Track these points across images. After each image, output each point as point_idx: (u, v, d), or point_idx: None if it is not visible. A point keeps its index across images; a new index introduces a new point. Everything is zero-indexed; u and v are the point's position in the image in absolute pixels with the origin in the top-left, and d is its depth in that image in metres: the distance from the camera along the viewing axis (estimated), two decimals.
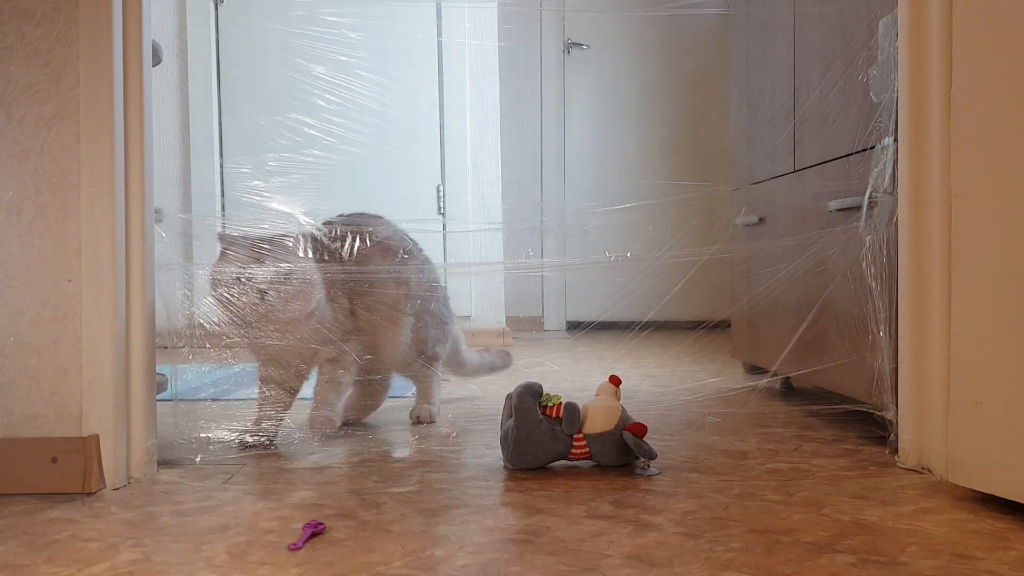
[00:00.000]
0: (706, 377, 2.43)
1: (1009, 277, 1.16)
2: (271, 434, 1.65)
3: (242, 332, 1.60)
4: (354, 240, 1.75)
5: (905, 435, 1.43)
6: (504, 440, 1.45)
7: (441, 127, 3.74)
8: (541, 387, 1.51)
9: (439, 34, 3.71)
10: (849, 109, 1.65)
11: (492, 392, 2.13)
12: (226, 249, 1.61)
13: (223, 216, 3.59)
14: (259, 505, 1.27)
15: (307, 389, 2.20)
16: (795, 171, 1.97)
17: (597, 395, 1.56)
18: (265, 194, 3.27)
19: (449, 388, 2.21)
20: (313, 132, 3.37)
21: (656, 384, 2.37)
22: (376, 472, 1.46)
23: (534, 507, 1.24)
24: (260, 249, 1.60)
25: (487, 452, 1.58)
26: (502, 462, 1.49)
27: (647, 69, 4.21)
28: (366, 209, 1.93)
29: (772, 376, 2.00)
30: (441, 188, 3.74)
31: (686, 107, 4.16)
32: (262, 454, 1.59)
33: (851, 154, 1.63)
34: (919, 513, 1.19)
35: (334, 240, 1.74)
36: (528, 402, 1.46)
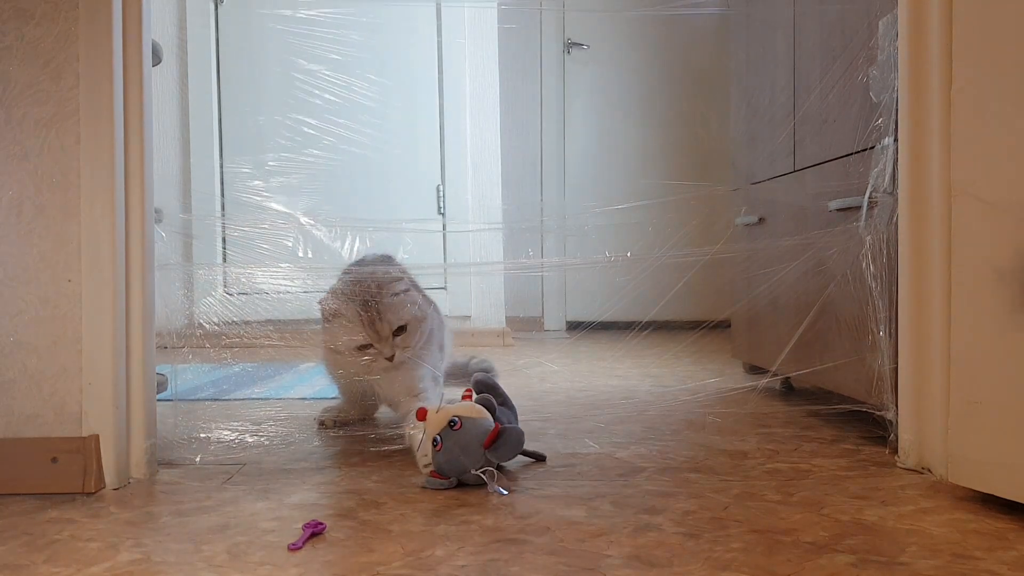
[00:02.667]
0: (706, 377, 2.43)
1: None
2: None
3: None
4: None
5: (905, 435, 1.43)
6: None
7: (441, 127, 3.74)
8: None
9: (439, 34, 3.72)
10: (849, 109, 1.65)
11: None
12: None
13: (223, 216, 3.60)
14: (259, 505, 1.27)
15: (304, 390, 2.20)
16: (795, 171, 1.97)
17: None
18: (265, 194, 3.28)
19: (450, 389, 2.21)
20: (313, 132, 3.38)
21: (656, 384, 2.37)
22: (376, 472, 1.46)
23: (534, 507, 1.24)
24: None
25: None
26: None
27: (647, 69, 4.21)
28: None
29: (772, 376, 2.00)
30: (441, 188, 3.74)
31: (686, 107, 4.16)
32: (261, 454, 1.59)
33: (851, 154, 1.63)
34: (919, 513, 1.19)
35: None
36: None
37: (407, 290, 1.67)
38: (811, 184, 1.86)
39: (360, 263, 1.79)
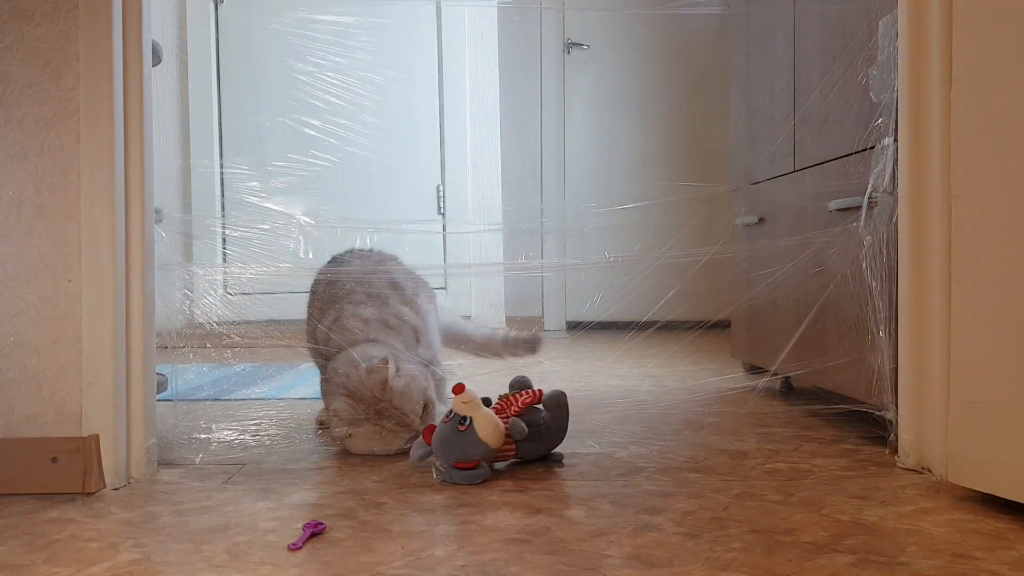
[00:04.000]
0: (706, 377, 2.43)
1: (1009, 277, 1.16)
2: None
3: None
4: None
5: (905, 435, 1.43)
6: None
7: (441, 127, 3.74)
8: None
9: (439, 34, 3.72)
10: (849, 109, 1.65)
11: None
12: None
13: (223, 216, 3.60)
14: (259, 505, 1.27)
15: (304, 390, 2.20)
16: (795, 171, 1.97)
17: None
18: (265, 194, 3.28)
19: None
20: (313, 132, 3.38)
21: (656, 384, 2.37)
22: (376, 472, 1.46)
23: (534, 507, 1.24)
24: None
25: None
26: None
27: (647, 69, 4.21)
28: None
29: (772, 376, 2.00)
30: (441, 188, 3.74)
31: (686, 107, 4.16)
32: (261, 454, 1.59)
33: (851, 154, 1.63)
34: (919, 513, 1.19)
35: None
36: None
37: (397, 370, 1.55)
38: (811, 184, 1.86)
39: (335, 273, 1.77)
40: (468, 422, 1.37)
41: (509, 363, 2.12)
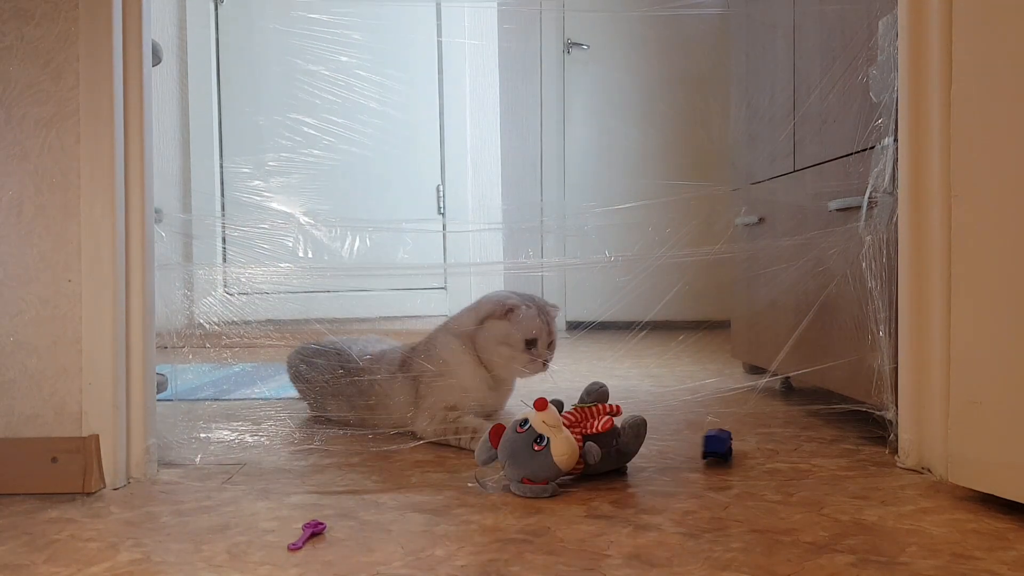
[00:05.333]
0: (706, 377, 2.43)
1: (1009, 277, 1.16)
2: None
3: None
4: None
5: (905, 435, 1.43)
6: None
7: (441, 127, 3.74)
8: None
9: (439, 34, 3.72)
10: (849, 109, 1.65)
11: None
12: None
13: (223, 216, 3.60)
14: (259, 505, 1.27)
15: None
16: (795, 171, 1.97)
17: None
18: (265, 194, 3.28)
19: None
20: (313, 132, 3.38)
21: (656, 384, 2.37)
22: (376, 472, 1.46)
23: (534, 507, 1.24)
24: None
25: None
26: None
27: (647, 69, 4.21)
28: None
29: (772, 376, 2.00)
30: (441, 188, 3.74)
31: (686, 107, 4.15)
32: (261, 454, 1.59)
33: (851, 154, 1.63)
34: (919, 513, 1.19)
35: None
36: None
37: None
38: (811, 184, 1.86)
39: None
40: (545, 443, 1.31)
41: None
